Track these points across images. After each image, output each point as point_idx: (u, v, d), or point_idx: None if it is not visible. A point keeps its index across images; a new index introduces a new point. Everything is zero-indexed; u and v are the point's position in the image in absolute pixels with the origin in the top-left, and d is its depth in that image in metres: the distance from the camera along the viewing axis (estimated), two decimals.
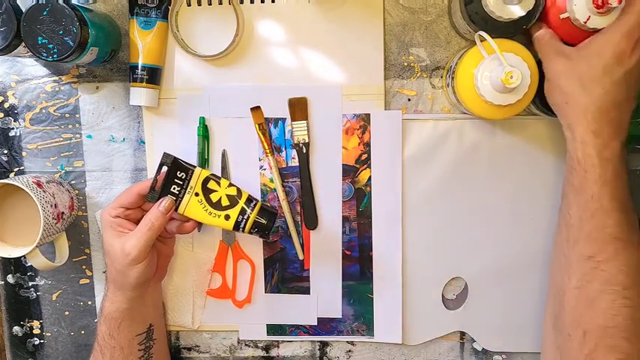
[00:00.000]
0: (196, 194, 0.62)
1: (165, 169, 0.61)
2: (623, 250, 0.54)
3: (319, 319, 0.72)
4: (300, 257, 0.71)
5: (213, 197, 0.62)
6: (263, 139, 0.68)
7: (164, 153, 0.61)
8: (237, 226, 0.62)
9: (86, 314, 0.74)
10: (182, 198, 0.62)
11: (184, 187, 0.62)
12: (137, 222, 0.62)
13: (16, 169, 0.72)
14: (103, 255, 0.72)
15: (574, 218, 0.55)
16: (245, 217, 0.62)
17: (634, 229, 0.55)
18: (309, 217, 0.69)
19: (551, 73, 0.56)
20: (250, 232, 0.63)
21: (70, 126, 0.71)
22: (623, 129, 0.54)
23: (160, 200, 0.61)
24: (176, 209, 0.62)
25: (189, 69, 0.68)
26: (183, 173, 0.62)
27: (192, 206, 0.62)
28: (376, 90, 0.67)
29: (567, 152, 0.56)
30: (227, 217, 0.62)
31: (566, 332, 0.55)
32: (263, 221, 0.62)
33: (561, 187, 0.58)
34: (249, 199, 0.63)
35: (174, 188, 0.62)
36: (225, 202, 0.62)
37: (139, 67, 0.66)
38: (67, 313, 0.75)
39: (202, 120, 0.68)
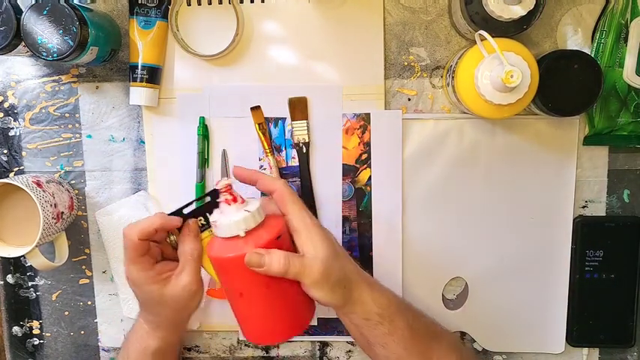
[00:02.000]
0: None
1: (208, 199, 0.59)
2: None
3: (319, 319, 0.72)
4: None
5: None
6: (263, 138, 0.68)
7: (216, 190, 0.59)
8: None
9: (86, 314, 0.74)
10: (203, 231, 0.60)
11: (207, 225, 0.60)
12: (157, 256, 0.59)
13: (15, 169, 0.72)
14: (106, 256, 0.72)
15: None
16: None
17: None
18: None
19: None
20: None
21: (70, 126, 0.71)
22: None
23: (186, 225, 0.59)
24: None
25: (189, 69, 0.68)
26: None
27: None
28: (376, 90, 0.67)
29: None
30: None
31: None
32: None
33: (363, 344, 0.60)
34: None
35: (200, 219, 0.60)
36: None
37: (139, 67, 0.66)
38: (66, 313, 0.75)
39: (202, 120, 0.68)
